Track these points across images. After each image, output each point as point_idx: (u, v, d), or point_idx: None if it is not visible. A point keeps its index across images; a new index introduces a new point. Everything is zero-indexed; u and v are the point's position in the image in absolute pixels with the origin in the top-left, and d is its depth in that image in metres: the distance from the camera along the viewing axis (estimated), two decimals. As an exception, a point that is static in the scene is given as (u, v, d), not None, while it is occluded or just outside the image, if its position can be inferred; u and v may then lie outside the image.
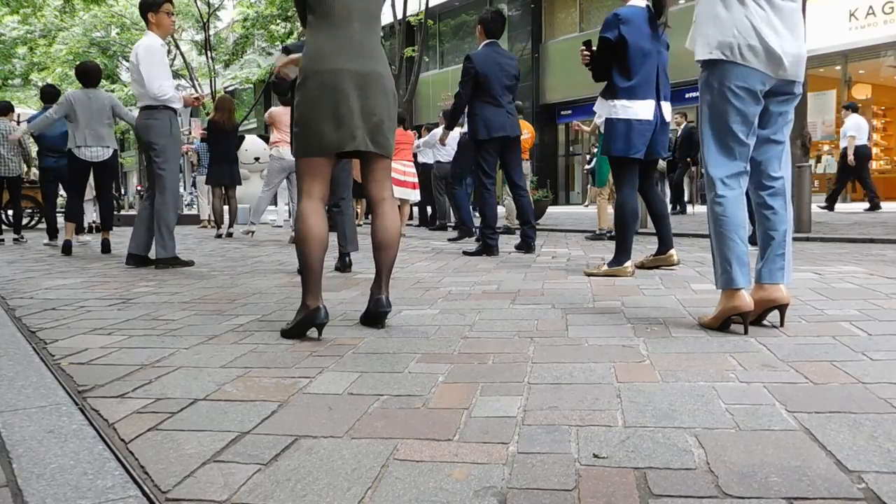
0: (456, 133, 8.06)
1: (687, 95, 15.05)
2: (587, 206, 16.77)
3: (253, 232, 6.95)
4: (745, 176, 2.31)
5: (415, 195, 8.35)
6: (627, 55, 3.73)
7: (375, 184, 2.55)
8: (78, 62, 6.68)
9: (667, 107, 3.93)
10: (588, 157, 14.04)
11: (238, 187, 8.80)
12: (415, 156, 8.88)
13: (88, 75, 6.11)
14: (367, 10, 2.45)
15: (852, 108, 10.83)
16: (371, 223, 2.55)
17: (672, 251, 4.16)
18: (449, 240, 6.88)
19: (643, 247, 5.79)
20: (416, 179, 8.37)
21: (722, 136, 2.27)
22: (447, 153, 8.81)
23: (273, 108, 7.05)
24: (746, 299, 2.24)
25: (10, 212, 9.10)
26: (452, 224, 7.16)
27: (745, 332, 2.22)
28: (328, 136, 2.37)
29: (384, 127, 2.46)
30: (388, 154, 2.52)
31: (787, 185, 2.36)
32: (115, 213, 13.50)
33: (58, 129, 7.01)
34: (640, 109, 3.79)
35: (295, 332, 2.34)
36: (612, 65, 3.79)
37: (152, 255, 4.81)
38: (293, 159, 7.81)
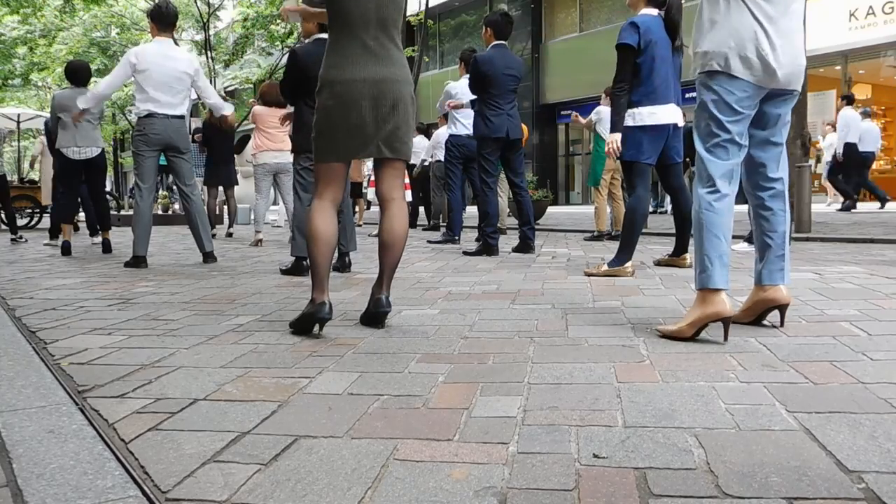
0: (444, 132, 8.10)
1: (687, 96, 15.04)
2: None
3: (261, 240, 6.93)
4: (737, 178, 2.24)
5: (407, 195, 8.47)
6: (650, 61, 3.74)
7: (387, 184, 2.55)
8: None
9: (678, 111, 3.93)
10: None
11: (236, 187, 8.77)
12: None
13: (78, 74, 6.13)
14: (385, 17, 2.45)
15: None
16: (379, 223, 2.56)
17: (687, 255, 4.16)
18: (429, 241, 6.83)
19: (643, 247, 5.79)
20: (407, 180, 8.46)
21: (718, 135, 2.22)
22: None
23: (256, 108, 6.83)
24: (727, 304, 2.09)
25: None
26: (445, 224, 7.10)
27: (725, 340, 2.09)
28: (343, 144, 2.41)
29: (400, 132, 2.47)
30: (405, 157, 2.54)
31: (785, 187, 2.35)
32: (115, 213, 13.56)
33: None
34: (664, 114, 3.80)
35: (300, 324, 2.39)
36: (635, 71, 3.77)
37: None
38: (274, 162, 7.66)
